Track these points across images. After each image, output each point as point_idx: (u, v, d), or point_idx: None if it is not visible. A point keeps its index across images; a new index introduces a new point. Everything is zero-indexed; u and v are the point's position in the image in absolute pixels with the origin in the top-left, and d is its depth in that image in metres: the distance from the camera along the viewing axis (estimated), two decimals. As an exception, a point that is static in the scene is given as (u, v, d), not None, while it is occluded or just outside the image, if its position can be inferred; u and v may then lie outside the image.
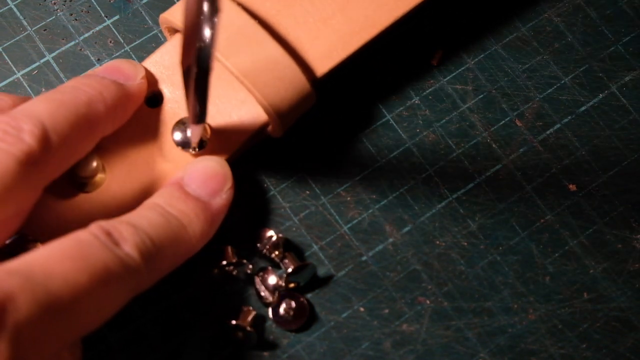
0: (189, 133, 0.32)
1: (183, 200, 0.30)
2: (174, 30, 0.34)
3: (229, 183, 0.31)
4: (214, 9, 0.24)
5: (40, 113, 0.28)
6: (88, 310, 0.25)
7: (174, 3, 0.37)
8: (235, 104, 0.33)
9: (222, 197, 0.31)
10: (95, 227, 0.27)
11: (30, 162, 0.26)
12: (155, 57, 0.34)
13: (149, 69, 0.33)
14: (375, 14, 0.34)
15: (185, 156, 0.33)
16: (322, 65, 0.33)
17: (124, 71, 0.32)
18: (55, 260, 0.25)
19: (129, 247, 0.27)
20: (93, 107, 0.29)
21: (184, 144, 0.32)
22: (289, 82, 0.32)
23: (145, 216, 0.29)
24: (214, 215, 0.31)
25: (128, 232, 0.27)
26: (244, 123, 0.33)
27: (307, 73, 0.33)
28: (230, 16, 0.32)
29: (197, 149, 0.32)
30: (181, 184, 0.31)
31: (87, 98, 0.29)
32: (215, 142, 0.33)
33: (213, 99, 0.33)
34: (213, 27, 0.24)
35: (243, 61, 0.32)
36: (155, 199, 0.30)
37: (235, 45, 0.32)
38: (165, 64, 0.33)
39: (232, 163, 0.34)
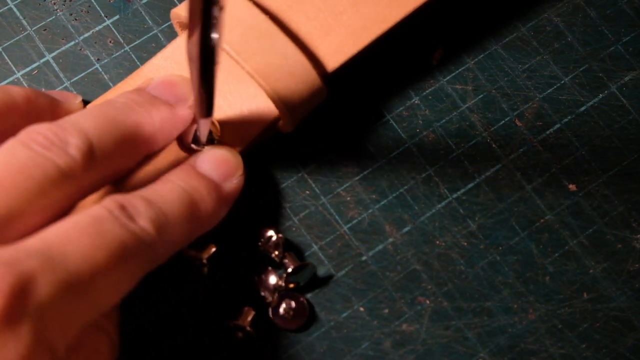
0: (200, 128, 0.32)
1: (196, 178, 0.30)
2: (185, 25, 0.34)
3: (240, 170, 0.32)
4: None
5: (88, 128, 0.28)
6: (106, 287, 0.25)
7: (174, 2, 0.37)
8: (246, 99, 0.33)
9: (233, 182, 0.31)
10: (109, 202, 0.27)
11: (70, 176, 0.26)
12: (167, 51, 0.34)
13: (160, 63, 0.33)
14: (386, 9, 0.34)
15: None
16: (333, 60, 0.33)
17: (178, 90, 0.31)
18: (72, 238, 0.25)
19: (144, 221, 0.27)
20: (141, 129, 0.29)
21: (195, 141, 0.32)
22: (299, 76, 0.32)
23: (158, 191, 0.29)
24: (225, 197, 0.31)
25: (142, 206, 0.27)
26: (255, 118, 0.33)
27: (318, 68, 0.33)
28: (241, 11, 0.32)
29: (205, 146, 0.32)
30: (194, 165, 0.31)
31: (137, 118, 0.29)
32: (226, 137, 0.33)
33: (224, 94, 0.33)
34: (217, 12, 0.24)
35: (254, 56, 0.32)
36: (168, 176, 0.30)
37: (247, 41, 0.32)
38: (177, 59, 0.33)
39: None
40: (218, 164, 0.31)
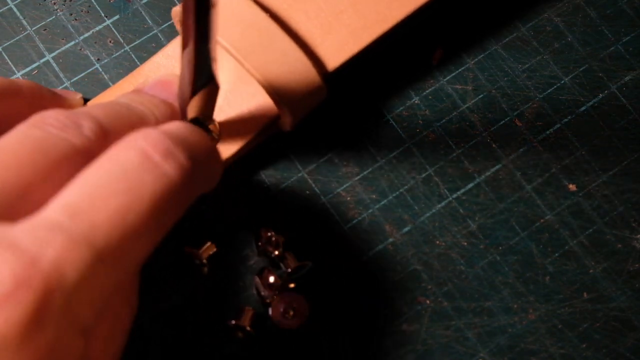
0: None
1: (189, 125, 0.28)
2: None
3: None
4: None
5: (99, 116, 0.27)
6: (136, 249, 0.24)
7: (174, 2, 0.37)
8: (246, 97, 0.33)
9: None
10: (141, 139, 0.25)
11: (86, 155, 0.25)
12: (168, 50, 0.34)
13: (161, 62, 0.33)
14: (387, 9, 0.34)
15: None
16: (333, 59, 0.33)
17: (174, 88, 0.31)
18: (99, 201, 0.23)
19: (182, 154, 0.25)
20: (145, 125, 0.29)
21: None
22: (300, 75, 0.32)
23: (172, 126, 0.27)
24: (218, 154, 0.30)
25: (177, 141, 0.25)
26: (254, 116, 0.33)
27: (318, 67, 0.33)
28: (241, 10, 0.32)
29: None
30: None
31: (141, 114, 0.29)
32: (226, 135, 0.33)
33: (224, 92, 0.33)
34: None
35: (254, 54, 0.32)
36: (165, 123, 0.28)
37: (247, 39, 0.32)
38: (178, 57, 0.34)
39: (233, 162, 0.34)
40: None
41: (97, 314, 0.24)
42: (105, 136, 0.27)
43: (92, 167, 0.24)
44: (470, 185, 0.36)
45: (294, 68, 0.32)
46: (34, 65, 0.36)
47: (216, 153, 0.29)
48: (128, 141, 0.25)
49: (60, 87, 0.36)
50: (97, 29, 0.37)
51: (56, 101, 0.32)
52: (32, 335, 0.21)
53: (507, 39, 0.38)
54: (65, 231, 0.22)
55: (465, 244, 0.35)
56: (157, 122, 0.30)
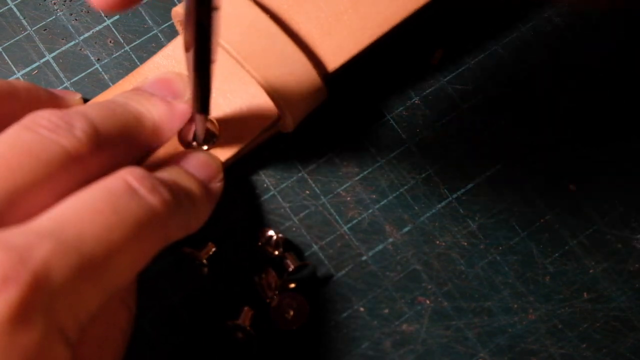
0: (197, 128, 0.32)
1: (186, 173, 0.30)
2: None
3: (220, 175, 0.32)
4: None
5: (93, 116, 0.28)
6: (120, 267, 0.25)
7: (174, 2, 0.37)
8: (246, 98, 0.33)
9: (216, 184, 0.31)
10: (127, 174, 0.26)
11: (77, 158, 0.26)
12: (168, 50, 0.34)
13: (160, 62, 0.33)
14: (387, 10, 0.34)
15: None
16: (333, 60, 0.33)
17: (173, 86, 0.31)
18: (87, 217, 0.24)
19: (164, 190, 0.26)
20: (141, 122, 0.29)
21: (196, 138, 0.32)
22: (300, 76, 0.32)
23: (165, 175, 0.29)
24: (210, 195, 0.31)
25: (162, 176, 0.27)
26: (255, 117, 0.33)
27: (318, 68, 0.33)
28: (242, 10, 0.32)
29: (206, 144, 0.32)
30: (179, 164, 0.31)
31: (137, 113, 0.29)
32: (226, 136, 0.33)
33: (224, 93, 0.33)
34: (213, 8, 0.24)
35: (254, 55, 0.32)
36: (161, 170, 0.30)
37: (247, 40, 0.32)
38: (177, 58, 0.33)
39: (233, 162, 0.34)
40: (201, 167, 0.31)
41: (82, 328, 0.24)
42: (98, 137, 0.27)
43: (81, 192, 0.25)
44: (470, 185, 0.36)
45: (294, 69, 0.32)
46: (34, 65, 0.36)
47: (204, 199, 0.30)
48: (116, 175, 0.26)
49: (60, 87, 0.36)
50: (97, 29, 0.37)
51: (54, 102, 0.32)
52: (17, 330, 0.22)
53: (507, 39, 0.38)
54: (55, 237, 0.23)
55: (465, 244, 0.35)
56: (154, 121, 0.30)
